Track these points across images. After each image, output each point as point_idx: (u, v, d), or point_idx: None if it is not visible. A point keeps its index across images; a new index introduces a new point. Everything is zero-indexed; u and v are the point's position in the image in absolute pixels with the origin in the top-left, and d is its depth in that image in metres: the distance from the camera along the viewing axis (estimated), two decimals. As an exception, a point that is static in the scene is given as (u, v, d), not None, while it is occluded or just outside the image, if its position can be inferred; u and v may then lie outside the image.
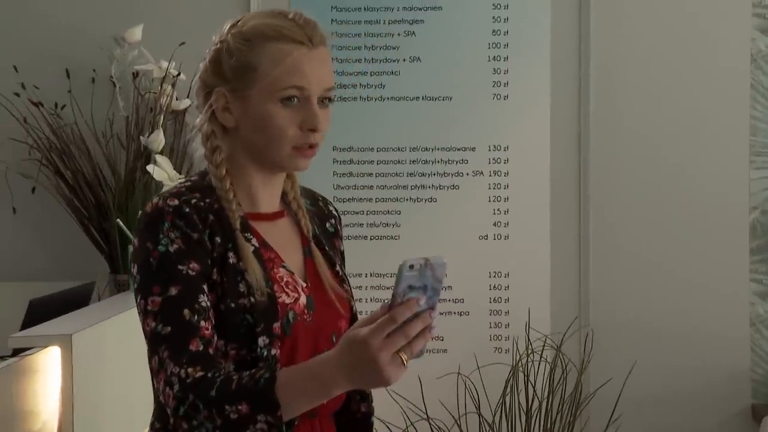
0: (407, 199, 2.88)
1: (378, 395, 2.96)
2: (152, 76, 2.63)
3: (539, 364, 2.64)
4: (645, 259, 2.78)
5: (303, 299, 1.50)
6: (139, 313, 1.45)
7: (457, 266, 2.73)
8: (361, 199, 2.89)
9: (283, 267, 1.50)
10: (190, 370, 1.39)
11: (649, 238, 2.80)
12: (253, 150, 1.50)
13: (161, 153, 2.54)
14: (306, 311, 1.50)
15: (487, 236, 2.85)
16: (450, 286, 2.79)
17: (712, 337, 2.79)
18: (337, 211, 1.69)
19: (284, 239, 1.54)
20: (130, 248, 1.46)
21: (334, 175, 2.89)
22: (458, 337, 2.81)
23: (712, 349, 2.79)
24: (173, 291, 1.42)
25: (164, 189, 1.48)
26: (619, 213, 2.78)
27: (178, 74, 2.62)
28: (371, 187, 2.89)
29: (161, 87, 2.61)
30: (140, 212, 1.46)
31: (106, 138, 2.72)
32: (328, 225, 1.65)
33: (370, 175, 2.89)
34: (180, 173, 2.56)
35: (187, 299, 1.42)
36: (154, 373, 1.42)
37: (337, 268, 1.59)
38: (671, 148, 2.82)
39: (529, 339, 2.67)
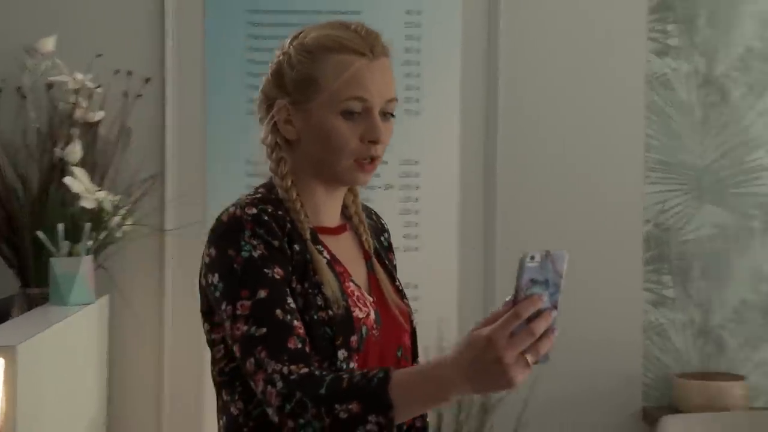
0: None
1: None
2: (67, 87, 2.59)
3: (451, 372, 2.74)
4: None
5: (372, 314, 1.49)
6: (225, 319, 1.41)
7: (369, 277, 2.88)
8: None
9: (352, 281, 1.49)
10: (293, 367, 1.35)
11: (552, 246, 2.92)
12: (315, 163, 1.48)
13: (77, 165, 2.52)
14: (375, 326, 1.48)
15: (398, 247, 2.93)
16: (363, 297, 2.87)
17: (608, 343, 2.94)
18: (387, 225, 1.69)
19: (348, 253, 1.53)
20: (206, 259, 1.43)
21: (248, 187, 2.85)
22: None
23: (607, 354, 2.93)
24: (262, 294, 1.39)
25: (239, 199, 1.48)
26: (525, 224, 2.89)
27: (98, 87, 2.60)
28: None
29: (76, 99, 2.58)
30: (215, 222, 1.44)
31: (14, 150, 2.67)
32: (382, 239, 1.65)
33: None
34: (95, 185, 2.55)
35: (277, 300, 1.39)
36: (251, 375, 1.38)
37: (397, 282, 1.59)
38: (573, 163, 2.95)
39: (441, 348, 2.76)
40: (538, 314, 1.24)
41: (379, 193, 2.89)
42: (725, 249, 3.00)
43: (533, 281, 1.24)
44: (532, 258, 1.23)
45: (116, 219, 2.61)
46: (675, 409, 2.86)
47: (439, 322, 2.82)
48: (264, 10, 2.89)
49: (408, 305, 1.57)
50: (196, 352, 2.87)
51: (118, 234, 2.64)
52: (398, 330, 1.52)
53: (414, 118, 2.90)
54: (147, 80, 2.83)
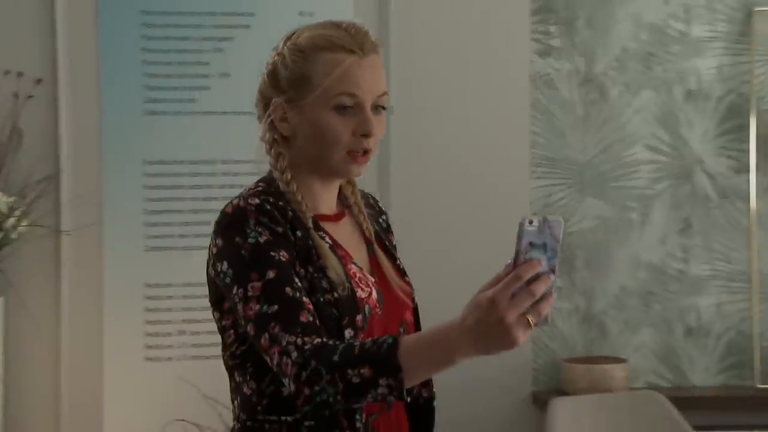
0: (218, 210, 2.94)
1: (197, 401, 3.01)
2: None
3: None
4: (440, 259, 2.99)
5: (374, 294, 1.56)
6: (237, 302, 1.47)
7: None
8: (172, 211, 2.93)
9: (354, 263, 1.57)
10: (306, 338, 1.42)
11: (445, 238, 3.01)
12: (311, 157, 1.56)
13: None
14: (377, 305, 1.56)
15: None
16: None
17: None
18: (383, 207, 1.77)
19: (349, 238, 1.61)
20: (213, 250, 1.49)
21: (144, 188, 2.91)
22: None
23: None
24: (271, 274, 1.45)
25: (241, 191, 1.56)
26: (418, 218, 2.97)
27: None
28: (182, 199, 2.93)
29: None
30: (220, 215, 1.51)
31: None
32: (381, 220, 1.72)
33: (181, 187, 2.92)
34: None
35: (285, 280, 1.46)
36: (266, 350, 1.44)
37: (398, 262, 1.66)
38: (463, 159, 3.06)
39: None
40: (537, 277, 1.28)
41: None
42: (606, 240, 3.16)
43: (532, 245, 1.28)
44: (531, 222, 1.28)
45: (11, 221, 2.60)
46: (562, 392, 2.99)
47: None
48: (158, 11, 2.91)
49: (409, 283, 1.65)
50: (93, 352, 2.91)
51: (14, 235, 2.64)
52: (400, 307, 1.60)
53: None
54: (38, 81, 2.82)
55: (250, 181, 2.94)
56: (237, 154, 2.95)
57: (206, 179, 2.94)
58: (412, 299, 1.66)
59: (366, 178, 2.98)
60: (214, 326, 3.06)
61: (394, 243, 1.72)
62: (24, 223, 2.70)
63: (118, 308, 2.91)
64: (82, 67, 2.89)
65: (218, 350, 3.00)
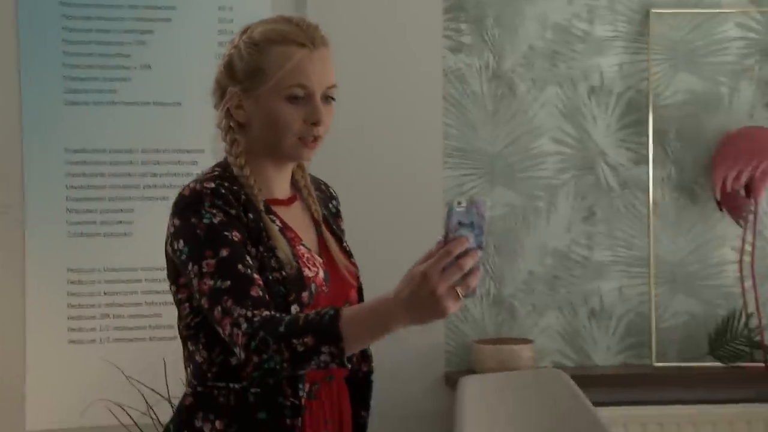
0: (139, 198, 3.02)
1: (120, 382, 3.08)
2: None
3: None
4: (360, 243, 3.03)
5: (321, 273, 1.68)
6: (192, 278, 1.58)
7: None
8: (93, 198, 3.00)
9: (303, 245, 1.68)
10: (256, 311, 1.52)
11: (363, 224, 3.03)
12: (264, 142, 1.66)
13: None
14: (324, 283, 1.67)
15: None
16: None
17: None
18: (335, 193, 1.87)
19: (299, 221, 1.73)
20: (171, 229, 1.64)
21: (67, 175, 2.97)
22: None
23: (411, 327, 3.18)
24: (224, 252, 1.56)
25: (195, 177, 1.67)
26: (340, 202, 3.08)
27: None
28: (103, 187, 3.00)
29: None
30: (178, 197, 1.62)
31: None
32: (330, 206, 1.84)
33: (103, 175, 3.00)
34: None
35: (237, 257, 1.56)
36: (218, 322, 1.55)
37: (345, 244, 1.78)
38: (380, 149, 3.14)
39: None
40: (466, 253, 1.38)
41: None
42: (514, 227, 3.29)
43: (460, 224, 1.38)
44: (459, 203, 1.38)
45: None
46: (473, 372, 3.09)
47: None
48: (78, 3, 2.97)
49: (355, 265, 1.76)
50: (15, 334, 2.95)
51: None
52: (345, 286, 1.72)
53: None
54: None
55: (170, 170, 3.04)
56: (157, 143, 3.03)
57: (127, 168, 3.01)
58: (357, 279, 1.76)
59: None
60: (136, 310, 3.20)
61: (342, 227, 1.83)
62: (-55, 208, 2.77)
63: (41, 292, 2.97)
64: (1, 56, 2.93)
65: (141, 333, 3.18)
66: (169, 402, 2.83)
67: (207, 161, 3.01)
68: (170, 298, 2.86)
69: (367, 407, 1.81)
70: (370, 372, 1.80)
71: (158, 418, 2.83)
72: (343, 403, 1.77)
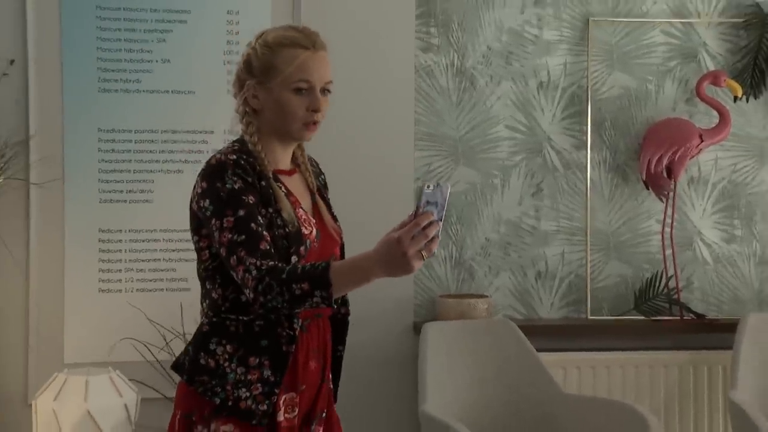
0: (159, 171, 3.34)
1: (143, 324, 3.33)
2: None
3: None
4: (342, 215, 3.28)
5: (314, 232, 1.91)
6: (214, 231, 1.80)
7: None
8: (121, 170, 3.31)
9: (302, 208, 1.92)
10: (263, 261, 1.75)
11: (344, 199, 3.08)
12: (274, 125, 1.90)
13: None
14: (315, 239, 1.90)
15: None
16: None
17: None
18: (322, 169, 2.10)
19: (298, 189, 1.96)
20: (198, 190, 1.87)
21: (99, 151, 3.29)
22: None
23: (385, 283, 3.29)
24: (241, 212, 1.79)
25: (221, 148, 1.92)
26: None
27: None
28: (129, 161, 3.31)
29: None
30: (205, 164, 1.87)
31: None
32: (321, 179, 2.06)
33: (129, 151, 3.30)
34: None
35: (252, 217, 1.80)
36: (233, 268, 1.78)
37: (332, 210, 2.01)
38: (359, 135, 3.36)
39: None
40: (430, 224, 1.63)
41: (208, 156, 3.27)
42: (474, 200, 3.59)
43: (428, 202, 1.61)
44: (428, 186, 1.62)
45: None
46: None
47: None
48: (111, 7, 3.28)
49: (339, 227, 1.99)
50: (56, 284, 3.22)
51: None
52: (331, 243, 1.95)
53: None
54: (11, 62, 3.18)
55: (184, 148, 3.40)
56: (174, 125, 3.33)
57: (148, 145, 3.32)
58: (341, 238, 2.00)
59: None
60: (155, 265, 3.45)
61: (327, 197, 2.06)
62: (1, 178, 3.09)
63: (77, 249, 3.27)
64: (47, 52, 3.22)
65: (159, 284, 3.42)
66: (184, 340, 3.21)
67: (216, 141, 3.34)
68: (183, 254, 3.29)
69: (343, 343, 2.05)
70: (347, 314, 2.04)
71: (174, 353, 3.19)
72: (327, 336, 2.00)
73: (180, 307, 3.23)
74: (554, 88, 3.66)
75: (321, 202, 1.98)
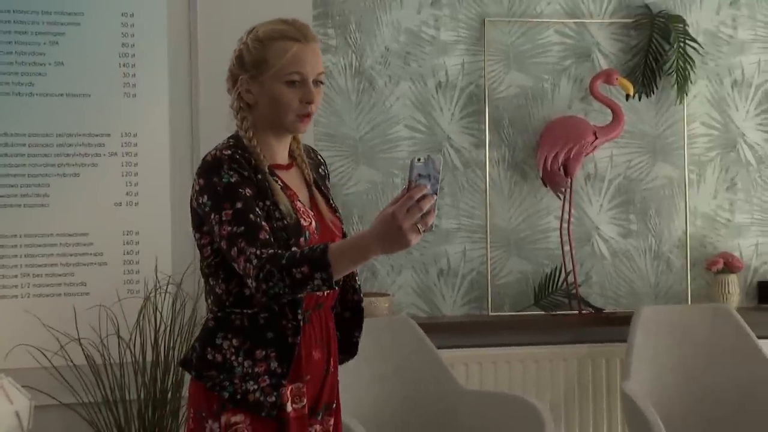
0: (55, 175, 3.32)
1: (38, 330, 3.33)
2: None
3: (165, 296, 3.22)
4: None
5: (313, 223, 1.94)
6: (214, 225, 1.83)
7: (96, 226, 3.30)
8: (15, 174, 3.29)
9: (299, 201, 1.95)
10: (263, 250, 1.79)
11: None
12: (269, 119, 1.93)
13: None
14: (315, 231, 1.93)
15: (121, 203, 3.36)
16: (92, 243, 3.34)
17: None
18: (323, 159, 2.12)
19: (296, 182, 1.99)
20: (196, 187, 1.90)
21: None
22: (100, 282, 3.31)
23: None
24: (239, 205, 1.83)
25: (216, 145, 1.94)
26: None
27: None
28: (24, 165, 3.29)
29: None
30: (202, 161, 1.89)
31: None
32: (320, 170, 2.08)
33: (23, 155, 3.29)
34: None
35: (250, 209, 1.83)
36: (234, 259, 1.81)
37: (331, 202, 2.03)
38: None
39: (157, 279, 3.26)
40: (424, 198, 1.62)
41: (105, 159, 3.33)
42: (375, 199, 3.65)
43: (420, 175, 1.61)
44: (419, 159, 1.62)
45: None
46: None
47: (156, 260, 3.35)
48: (0, 9, 3.24)
49: (339, 218, 2.03)
50: None
51: None
52: (330, 234, 1.98)
53: (131, 99, 3.39)
54: None
55: (79, 151, 3.38)
56: (69, 128, 3.32)
57: (43, 149, 3.31)
58: (341, 229, 2.02)
59: (179, 152, 3.41)
60: (51, 270, 3.41)
61: (329, 186, 2.08)
62: None
63: None
64: None
65: (57, 289, 3.40)
66: (79, 343, 3.23)
67: (112, 144, 3.35)
68: (81, 258, 3.27)
69: (359, 329, 2.09)
70: (360, 302, 2.07)
71: (71, 359, 3.23)
72: (330, 326, 2.01)
73: (74, 310, 3.25)
74: (452, 87, 3.74)
75: (318, 195, 2.01)
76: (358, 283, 2.09)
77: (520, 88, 3.79)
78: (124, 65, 3.39)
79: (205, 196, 1.86)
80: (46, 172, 3.34)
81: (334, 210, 2.04)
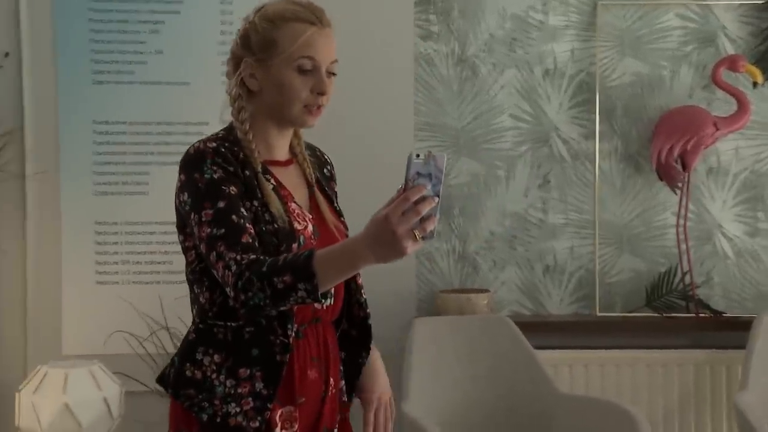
0: (154, 162, 3.38)
1: (130, 316, 3.41)
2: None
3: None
4: (344, 203, 3.37)
5: (310, 227, 1.75)
6: (194, 226, 1.64)
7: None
8: (116, 162, 3.36)
9: (294, 202, 1.76)
10: (244, 255, 1.59)
11: (348, 187, 3.39)
12: (273, 108, 1.73)
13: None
14: (312, 236, 1.74)
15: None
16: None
17: (387, 268, 3.49)
18: (329, 159, 1.94)
19: (293, 181, 1.80)
20: (177, 183, 1.73)
21: (94, 143, 3.35)
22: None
23: (387, 276, 3.14)
24: (221, 204, 1.63)
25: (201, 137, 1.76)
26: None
27: None
28: (124, 153, 3.36)
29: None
30: (184, 154, 1.71)
31: None
32: (325, 170, 1.91)
33: (123, 143, 3.35)
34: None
35: (233, 209, 1.64)
36: (213, 264, 1.62)
37: (335, 204, 1.86)
38: (360, 125, 3.36)
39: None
40: (423, 200, 1.42)
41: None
42: (478, 192, 3.54)
43: (419, 174, 1.40)
44: (417, 156, 1.41)
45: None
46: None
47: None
48: (103, 9, 3.33)
49: (344, 223, 1.84)
50: (53, 277, 3.28)
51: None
52: (332, 240, 1.75)
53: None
54: (6, 54, 3.27)
55: (179, 139, 3.43)
56: (169, 116, 3.36)
57: (143, 137, 3.37)
58: (346, 236, 1.81)
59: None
60: (151, 257, 3.49)
61: (335, 189, 1.90)
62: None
63: (74, 241, 3.33)
64: (41, 44, 3.29)
65: (154, 277, 3.45)
66: (167, 330, 3.27)
67: (211, 132, 3.39)
68: (179, 247, 3.32)
69: (367, 349, 1.84)
70: (365, 317, 1.84)
71: (163, 345, 3.27)
72: (330, 343, 1.81)
73: (159, 299, 3.30)
74: (561, 75, 3.57)
75: (320, 196, 1.83)
76: (364, 297, 1.87)
77: (636, 76, 3.59)
78: (223, 53, 3.38)
79: (186, 194, 1.67)
80: (146, 160, 3.39)
81: (338, 214, 1.85)
